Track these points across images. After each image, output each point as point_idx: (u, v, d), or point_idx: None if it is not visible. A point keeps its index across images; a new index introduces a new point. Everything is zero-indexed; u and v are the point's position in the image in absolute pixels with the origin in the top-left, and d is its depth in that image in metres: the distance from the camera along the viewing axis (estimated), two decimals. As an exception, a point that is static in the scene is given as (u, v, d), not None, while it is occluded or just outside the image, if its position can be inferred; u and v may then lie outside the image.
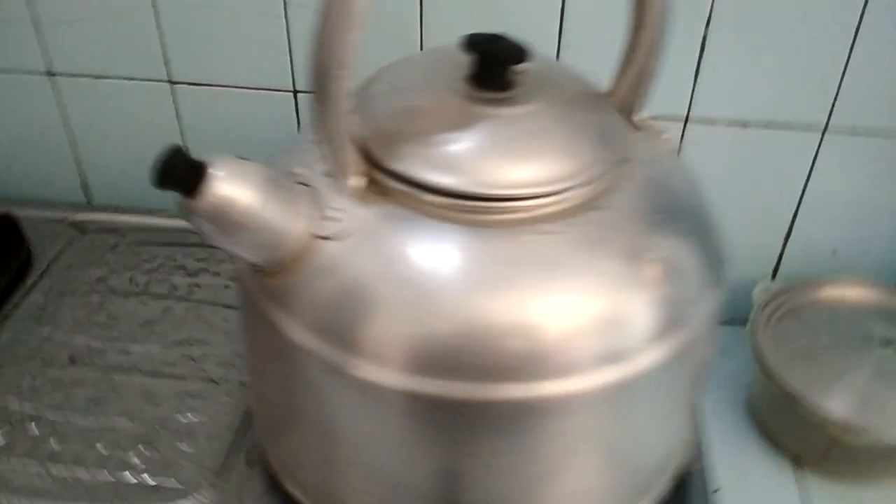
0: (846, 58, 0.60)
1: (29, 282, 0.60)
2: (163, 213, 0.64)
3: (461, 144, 0.35)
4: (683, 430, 0.43)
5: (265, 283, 0.36)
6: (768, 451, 0.63)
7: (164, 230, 0.64)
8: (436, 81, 0.37)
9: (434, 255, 0.34)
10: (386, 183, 0.35)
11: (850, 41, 0.59)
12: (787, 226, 0.69)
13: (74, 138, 0.72)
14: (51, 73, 0.70)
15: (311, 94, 0.33)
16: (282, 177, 0.35)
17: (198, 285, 0.58)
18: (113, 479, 0.46)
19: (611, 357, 0.34)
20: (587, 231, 0.35)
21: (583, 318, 0.34)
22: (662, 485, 0.43)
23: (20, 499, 0.44)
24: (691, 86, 0.62)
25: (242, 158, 0.34)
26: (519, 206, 0.35)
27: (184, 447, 0.47)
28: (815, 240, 0.70)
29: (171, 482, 0.45)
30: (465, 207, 0.34)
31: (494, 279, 0.34)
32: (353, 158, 0.35)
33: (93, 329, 0.56)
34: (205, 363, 0.53)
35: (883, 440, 0.56)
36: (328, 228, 0.35)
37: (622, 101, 0.41)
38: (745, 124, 0.64)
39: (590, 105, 0.38)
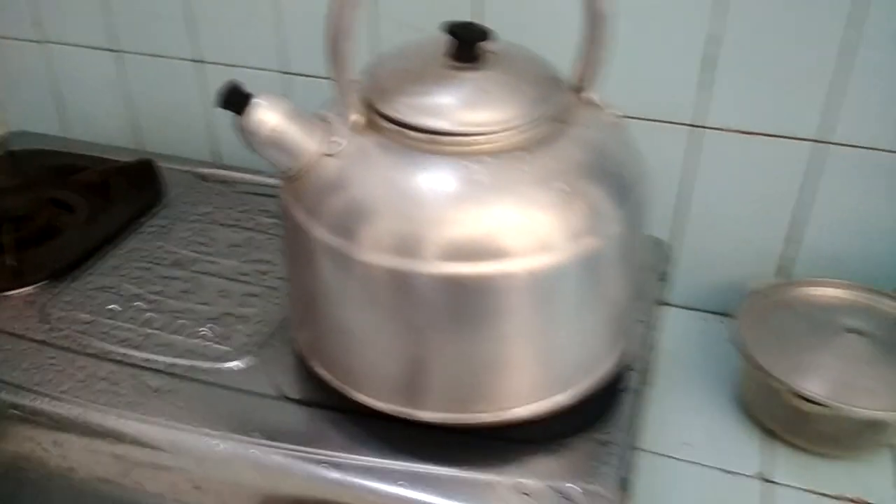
0: (840, 76, 0.68)
1: (157, 210, 0.79)
2: (263, 172, 0.82)
3: (435, 96, 0.49)
4: (605, 336, 0.54)
5: (290, 187, 0.51)
6: (745, 424, 0.72)
7: (261, 185, 0.81)
8: (423, 55, 0.51)
9: (411, 173, 0.48)
10: (379, 122, 0.49)
11: (847, 61, 0.67)
12: (791, 233, 0.76)
13: (210, 114, 0.91)
14: (196, 61, 0.89)
15: (327, 55, 0.48)
16: (305, 111, 0.50)
17: (275, 224, 0.75)
18: (185, 340, 0.62)
19: (536, 249, 0.47)
20: (524, 161, 0.48)
21: (516, 219, 0.47)
22: (586, 382, 0.54)
23: (119, 345, 0.62)
24: (699, 97, 0.72)
25: (281, 95, 0.49)
26: (474, 141, 0.47)
27: (240, 328, 0.63)
28: (818, 246, 0.76)
29: (225, 348, 0.61)
30: (435, 140, 0.48)
31: (455, 191, 0.47)
32: (354, 102, 0.49)
33: (193, 245, 0.73)
34: (268, 276, 0.69)
35: (847, 415, 0.63)
36: (332, 148, 0.49)
37: (580, 80, 0.53)
38: (748, 133, 0.73)
39: (538, 76, 0.51)
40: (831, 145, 0.70)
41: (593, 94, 0.53)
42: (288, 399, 0.57)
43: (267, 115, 0.48)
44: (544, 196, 0.47)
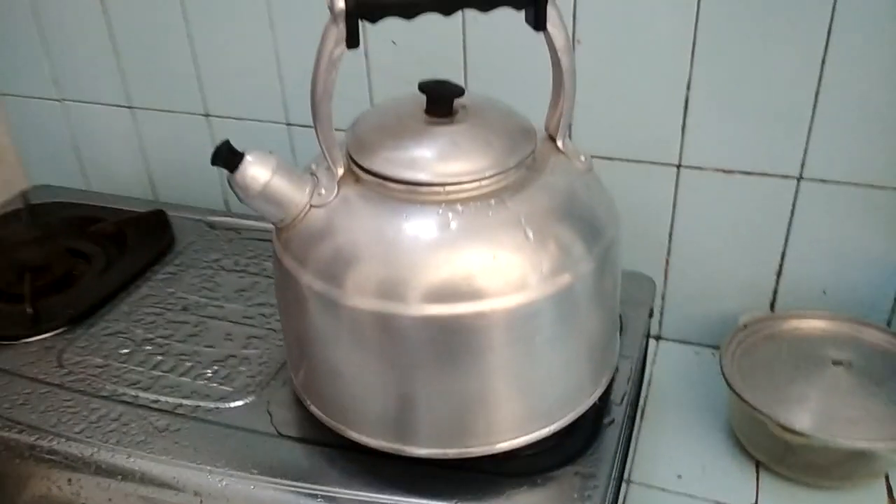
0: (811, 116, 0.71)
1: (168, 258, 0.83)
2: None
3: (412, 150, 0.52)
4: (586, 371, 0.57)
5: (280, 237, 0.55)
6: (737, 456, 0.73)
7: (267, 231, 0.83)
8: (401, 111, 0.55)
9: (391, 221, 0.51)
10: (361, 175, 0.53)
11: (812, 103, 0.70)
12: (778, 266, 0.79)
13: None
14: (207, 115, 0.94)
15: (312, 115, 0.52)
16: (293, 166, 0.53)
17: (280, 268, 0.78)
18: (191, 382, 0.65)
19: (511, 289, 0.50)
20: (496, 208, 0.51)
21: (488, 262, 0.50)
22: (569, 416, 0.56)
23: (129, 388, 0.65)
24: (680, 138, 0.75)
25: (269, 152, 0.53)
26: (449, 190, 0.51)
27: (242, 369, 0.67)
28: (805, 280, 0.78)
29: (228, 389, 0.64)
30: (413, 191, 0.51)
31: (433, 237, 0.50)
32: (338, 156, 0.53)
33: (202, 291, 0.77)
34: (271, 318, 0.72)
35: (830, 446, 0.64)
36: (318, 200, 0.53)
37: (551, 130, 0.57)
38: (728, 172, 0.76)
39: (509, 127, 0.54)
40: (808, 181, 0.73)
41: (563, 143, 0.56)
42: (285, 436, 0.60)
43: (257, 171, 0.52)
44: (515, 239, 0.50)
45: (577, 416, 0.57)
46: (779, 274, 0.79)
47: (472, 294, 0.49)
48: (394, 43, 0.80)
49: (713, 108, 0.73)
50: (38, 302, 0.74)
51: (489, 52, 0.77)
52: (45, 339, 0.72)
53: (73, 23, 0.93)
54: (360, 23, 0.48)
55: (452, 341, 0.51)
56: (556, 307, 0.52)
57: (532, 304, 0.51)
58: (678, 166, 0.76)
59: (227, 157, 0.51)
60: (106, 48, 0.93)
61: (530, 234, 0.50)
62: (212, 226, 0.88)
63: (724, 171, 0.75)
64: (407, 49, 0.80)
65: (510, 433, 0.55)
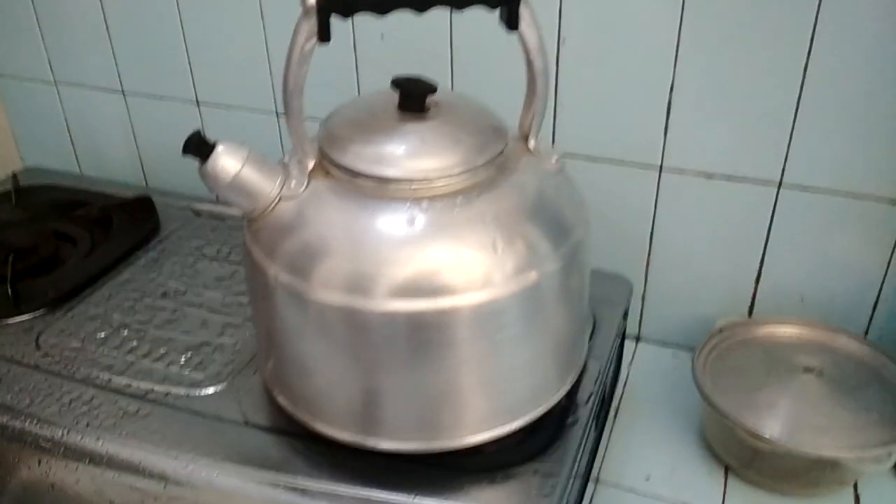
0: (792, 123, 0.71)
1: (152, 244, 0.83)
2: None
3: (382, 146, 0.53)
4: (552, 368, 0.57)
5: (250, 228, 0.55)
6: (707, 459, 0.73)
7: (252, 219, 0.85)
8: (375, 106, 0.55)
9: (360, 216, 0.51)
10: (332, 169, 0.53)
11: (794, 110, 0.70)
12: (757, 271, 0.79)
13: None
14: (197, 102, 0.95)
15: (284, 108, 0.52)
16: (265, 157, 0.54)
17: (261, 257, 0.79)
18: (164, 368, 0.66)
19: (476, 285, 0.50)
20: (463, 205, 0.51)
21: (454, 258, 0.50)
22: (534, 413, 0.56)
23: (103, 371, 0.66)
24: (662, 140, 0.76)
25: (241, 143, 0.53)
26: (418, 186, 0.51)
27: (216, 357, 0.67)
28: (783, 286, 0.78)
29: (199, 376, 0.65)
30: (382, 186, 0.51)
31: (400, 233, 0.50)
32: (309, 149, 0.53)
33: (183, 278, 0.78)
34: (248, 308, 0.72)
35: (797, 454, 0.64)
36: (288, 192, 0.53)
37: (524, 130, 0.57)
38: (709, 175, 0.76)
39: (481, 126, 0.55)
40: (788, 188, 0.73)
41: (535, 142, 0.56)
42: (253, 426, 0.61)
43: (227, 162, 0.52)
44: (479, 237, 0.50)
45: (540, 414, 0.57)
46: (758, 279, 0.79)
47: (436, 290, 0.50)
48: (382, 37, 0.80)
49: (695, 112, 0.73)
50: (21, 283, 0.75)
51: (476, 48, 0.77)
52: (24, 319, 0.72)
53: (69, 6, 0.94)
54: (334, 17, 0.48)
55: (417, 336, 0.51)
56: (521, 305, 0.52)
57: (496, 302, 0.51)
58: (660, 169, 0.76)
59: (198, 147, 0.52)
60: (100, 32, 0.94)
61: (495, 233, 0.51)
62: (197, 213, 0.88)
63: (706, 175, 0.75)
64: (395, 43, 0.80)
65: (473, 429, 0.55)
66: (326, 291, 0.51)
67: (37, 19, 0.97)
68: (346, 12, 0.49)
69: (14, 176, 0.94)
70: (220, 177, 0.52)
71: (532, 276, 0.52)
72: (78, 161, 1.06)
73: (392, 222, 0.51)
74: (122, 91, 0.97)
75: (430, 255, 0.50)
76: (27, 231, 0.82)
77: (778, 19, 0.66)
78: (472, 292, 0.50)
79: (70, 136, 1.04)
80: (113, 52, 0.95)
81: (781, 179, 0.73)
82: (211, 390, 0.64)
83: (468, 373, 0.53)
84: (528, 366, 0.55)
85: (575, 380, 0.61)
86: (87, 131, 1.03)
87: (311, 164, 0.54)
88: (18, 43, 0.99)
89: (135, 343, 0.69)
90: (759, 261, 0.78)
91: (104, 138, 1.02)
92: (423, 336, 0.51)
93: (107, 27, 0.93)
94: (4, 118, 1.05)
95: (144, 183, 1.03)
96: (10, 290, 0.73)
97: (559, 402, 0.59)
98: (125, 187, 0.95)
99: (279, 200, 0.53)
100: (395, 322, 0.51)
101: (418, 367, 0.52)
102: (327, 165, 0.54)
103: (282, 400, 0.59)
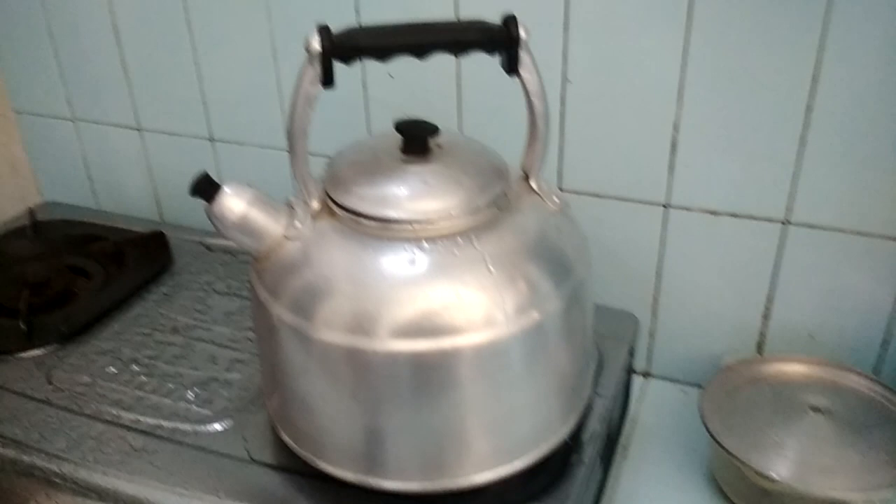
0: (796, 161, 0.71)
1: (164, 278, 0.85)
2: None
3: (385, 188, 0.54)
4: (555, 407, 0.57)
5: (255, 267, 0.56)
6: (716, 499, 0.73)
7: (262, 254, 0.86)
8: (378, 149, 0.56)
9: (363, 257, 0.52)
10: (335, 210, 0.54)
11: (799, 148, 0.70)
12: (764, 308, 0.78)
13: (222, 186, 0.97)
14: (212, 139, 0.96)
15: (289, 150, 0.53)
16: (270, 198, 0.55)
17: (270, 293, 0.80)
18: (172, 404, 0.67)
19: (478, 325, 0.50)
20: (464, 246, 0.52)
21: (455, 298, 0.51)
22: (538, 452, 0.57)
23: (112, 407, 0.67)
24: (667, 177, 0.76)
25: (247, 185, 0.55)
26: (420, 228, 0.52)
27: (223, 392, 0.68)
28: (792, 323, 0.78)
29: (206, 412, 0.66)
30: (385, 227, 0.52)
31: (402, 273, 0.51)
32: (314, 190, 0.54)
33: (193, 313, 0.79)
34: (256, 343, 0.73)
35: (803, 495, 0.63)
36: (293, 233, 0.54)
37: (526, 170, 0.58)
38: (715, 213, 0.76)
39: (482, 167, 0.56)
40: (795, 226, 0.73)
41: (537, 183, 0.57)
42: (258, 463, 0.61)
43: (234, 203, 0.53)
44: (479, 278, 0.51)
45: (544, 454, 0.57)
46: (766, 316, 0.78)
47: (438, 330, 0.50)
48: (391, 76, 0.82)
49: (700, 149, 0.73)
50: (35, 317, 0.76)
51: (482, 87, 0.78)
52: (36, 354, 0.74)
53: (87, 45, 0.96)
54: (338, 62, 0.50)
55: (419, 377, 0.52)
56: (524, 344, 0.53)
57: (498, 342, 0.51)
58: (665, 206, 0.77)
59: (205, 189, 0.53)
60: (118, 70, 0.96)
61: (495, 273, 0.51)
62: (209, 248, 0.90)
63: (711, 213, 0.75)
64: (403, 82, 0.81)
65: (475, 469, 0.55)
66: (329, 331, 0.51)
67: (56, 57, 0.99)
68: (348, 58, 0.50)
69: (31, 211, 0.95)
70: (227, 217, 0.53)
71: (534, 315, 0.52)
72: (95, 195, 1.07)
73: (394, 263, 0.52)
74: (139, 128, 0.99)
75: (432, 295, 0.51)
76: (42, 265, 0.84)
77: (781, 58, 0.67)
78: (473, 332, 0.51)
79: (87, 171, 1.06)
80: (130, 90, 0.97)
81: (788, 217, 0.73)
82: (217, 426, 0.64)
83: (471, 413, 0.53)
84: (531, 405, 0.55)
85: (579, 418, 0.61)
86: (105, 167, 1.05)
87: (315, 205, 0.55)
88: (38, 80, 1.02)
89: (143, 378, 0.70)
90: (766, 297, 0.77)
91: (121, 173, 1.04)
92: (426, 376, 0.51)
93: (124, 65, 0.96)
94: (24, 154, 1.08)
95: (160, 217, 1.04)
96: (24, 325, 0.75)
97: (563, 441, 0.59)
98: (141, 222, 0.96)
99: (284, 241, 0.54)
100: (398, 362, 0.51)
101: (421, 407, 0.52)
102: (331, 206, 0.54)
103: (286, 437, 0.59)
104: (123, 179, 1.04)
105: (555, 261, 0.54)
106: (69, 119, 1.03)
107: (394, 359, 0.51)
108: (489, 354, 0.52)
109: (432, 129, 0.54)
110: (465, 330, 0.51)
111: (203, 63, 0.91)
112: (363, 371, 0.52)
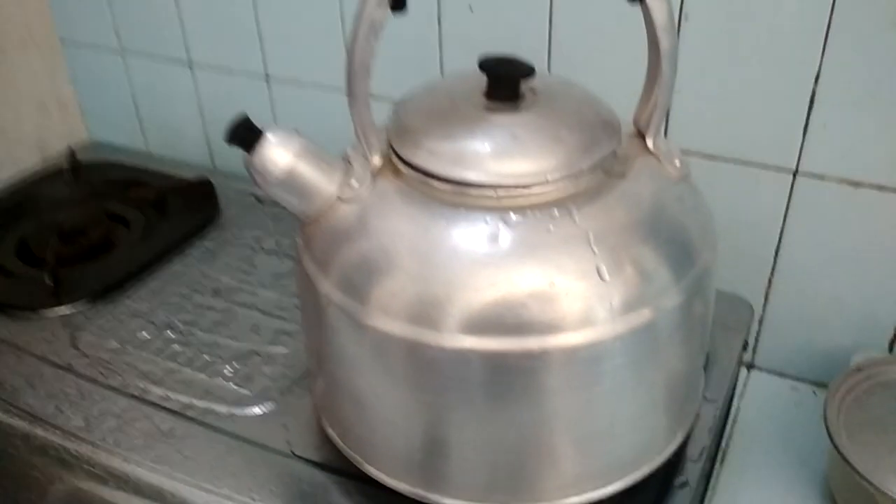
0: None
1: (208, 231, 0.76)
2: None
3: (463, 142, 0.43)
4: (661, 423, 0.47)
5: (303, 232, 0.46)
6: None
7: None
8: (457, 93, 0.45)
9: (431, 228, 0.42)
10: (401, 167, 0.44)
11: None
12: (905, 298, 0.66)
13: (278, 130, 0.88)
14: (267, 77, 0.87)
15: (347, 92, 0.43)
16: (322, 150, 0.45)
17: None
18: (207, 380, 0.58)
19: (574, 324, 0.40)
20: (563, 221, 0.41)
21: (548, 288, 0.40)
22: (636, 475, 0.47)
23: (141, 380, 0.59)
24: (801, 139, 0.63)
25: (296, 132, 0.44)
26: (506, 195, 0.41)
27: (265, 369, 0.59)
28: (939, 317, 0.66)
29: (244, 392, 0.57)
30: (462, 192, 0.42)
31: (481, 252, 0.41)
32: (375, 143, 0.44)
33: (237, 273, 0.70)
34: (305, 313, 0.64)
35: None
36: (347, 194, 0.44)
37: (641, 126, 0.46)
38: (856, 184, 0.63)
39: (588, 120, 0.44)
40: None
41: (655, 142, 0.45)
42: (299, 457, 0.52)
43: (278, 154, 0.43)
44: (582, 261, 0.40)
45: (642, 477, 0.47)
46: (905, 308, 0.66)
47: (522, 327, 0.40)
48: (471, 8, 0.70)
49: (845, 107, 0.61)
50: (64, 270, 0.69)
51: (581, 23, 0.67)
52: (63, 312, 0.66)
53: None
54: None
55: (494, 381, 0.42)
56: (629, 349, 0.42)
57: (597, 345, 0.41)
58: (794, 173, 0.65)
59: (244, 135, 0.43)
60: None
61: (600, 257, 0.40)
62: (259, 199, 0.81)
63: (851, 183, 0.63)
64: (485, 16, 0.70)
65: (559, 493, 0.46)
66: (386, 318, 0.42)
67: (104, -18, 0.91)
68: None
69: (71, 151, 0.87)
70: (269, 171, 0.43)
71: (645, 313, 0.41)
72: (145, 136, 1.00)
73: (471, 238, 0.41)
74: (190, 63, 0.90)
75: (517, 281, 0.40)
76: (78, 211, 0.76)
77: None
78: (567, 332, 0.40)
79: (136, 109, 0.98)
80: (180, 19, 0.88)
81: (952, 191, 0.60)
82: (256, 410, 0.56)
83: (556, 428, 0.43)
84: (633, 421, 0.45)
85: (687, 432, 0.50)
86: (154, 104, 0.96)
87: (377, 161, 0.44)
88: (85, 7, 0.93)
89: (178, 347, 0.62)
90: (909, 287, 0.65)
91: (171, 113, 0.95)
92: (503, 381, 0.41)
93: (175, -8, 0.87)
94: (71, 88, 1.00)
95: (211, 162, 0.96)
96: (50, 279, 0.67)
97: (667, 460, 0.48)
98: (191, 167, 0.88)
99: (337, 202, 0.44)
100: (469, 362, 0.41)
101: (495, 416, 0.42)
102: (396, 163, 0.44)
103: (331, 432, 0.50)
104: (173, 120, 0.96)
105: (675, 242, 0.43)
106: (117, 50, 0.95)
107: (465, 358, 0.41)
108: (585, 360, 0.41)
109: (526, 70, 0.43)
110: (558, 328, 0.40)
111: (259, -10, 0.81)
112: (426, 370, 0.42)
